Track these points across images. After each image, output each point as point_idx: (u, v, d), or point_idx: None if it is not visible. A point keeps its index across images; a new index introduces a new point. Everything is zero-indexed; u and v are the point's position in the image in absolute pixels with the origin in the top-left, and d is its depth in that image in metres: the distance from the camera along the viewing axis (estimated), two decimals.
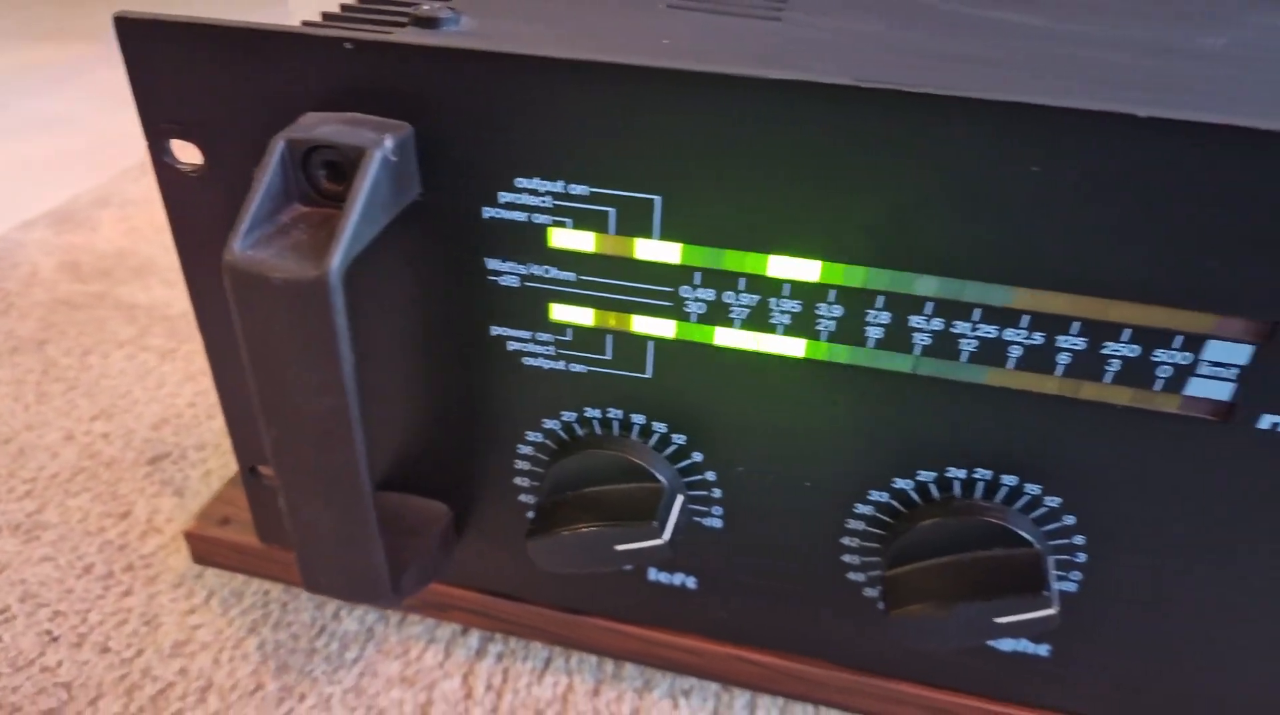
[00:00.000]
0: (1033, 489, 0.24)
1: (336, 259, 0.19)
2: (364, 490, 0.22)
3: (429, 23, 0.24)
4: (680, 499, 0.25)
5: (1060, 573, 0.25)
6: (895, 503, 0.25)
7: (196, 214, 0.25)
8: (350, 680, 0.34)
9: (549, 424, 0.26)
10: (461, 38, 0.23)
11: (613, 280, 0.23)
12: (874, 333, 0.22)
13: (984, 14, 0.29)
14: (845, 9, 0.29)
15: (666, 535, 0.24)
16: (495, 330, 0.25)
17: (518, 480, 0.28)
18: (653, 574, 0.29)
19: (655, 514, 0.24)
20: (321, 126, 0.21)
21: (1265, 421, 0.21)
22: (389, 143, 0.20)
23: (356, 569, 0.24)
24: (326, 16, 0.26)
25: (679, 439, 0.26)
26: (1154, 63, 0.25)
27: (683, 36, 0.25)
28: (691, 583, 0.29)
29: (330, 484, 0.22)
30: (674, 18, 0.27)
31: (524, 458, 0.27)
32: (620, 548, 0.25)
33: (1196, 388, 0.21)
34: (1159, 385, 0.21)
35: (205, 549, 0.36)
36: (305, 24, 0.24)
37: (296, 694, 0.33)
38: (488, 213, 0.23)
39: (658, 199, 0.22)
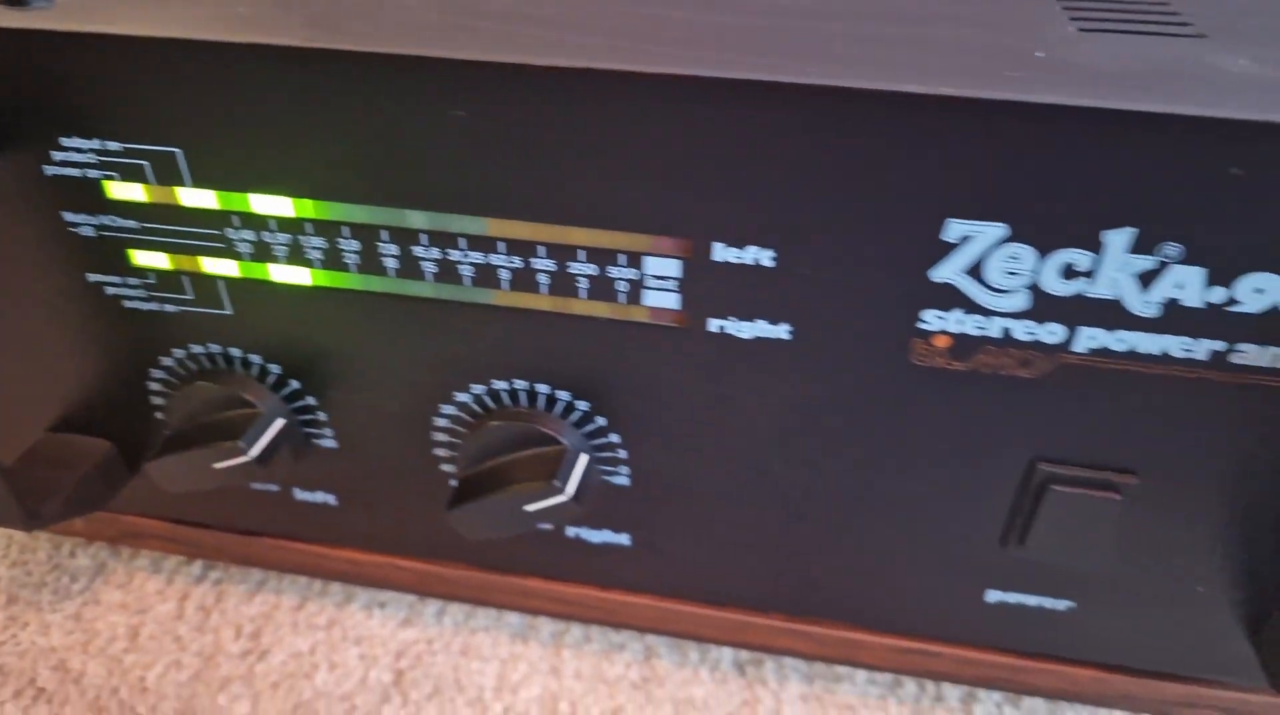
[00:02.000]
0: (564, 395, 0.27)
1: None
2: None
3: (17, 3, 0.26)
4: (281, 422, 0.29)
5: (608, 468, 0.28)
6: (463, 414, 0.28)
7: None
8: (73, 608, 0.37)
9: (166, 361, 0.29)
10: (33, 16, 0.25)
11: (171, 226, 0.26)
12: (390, 263, 0.25)
13: None
14: None
15: (255, 452, 0.28)
16: (91, 277, 0.28)
17: (158, 414, 0.31)
18: (298, 494, 0.32)
19: (244, 435, 0.28)
20: None
21: (713, 325, 0.25)
22: None
23: None
24: None
25: (275, 369, 0.29)
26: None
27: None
28: (332, 500, 0.32)
29: None
30: None
31: (156, 393, 0.30)
32: (217, 467, 0.28)
33: (652, 299, 0.24)
34: (623, 298, 0.25)
35: None
36: None
37: (20, 622, 0.36)
38: (49, 170, 0.26)
39: (179, 152, 0.24)
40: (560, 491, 0.26)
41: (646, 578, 0.32)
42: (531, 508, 0.26)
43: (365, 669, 0.34)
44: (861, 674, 0.35)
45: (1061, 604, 0.29)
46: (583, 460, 0.27)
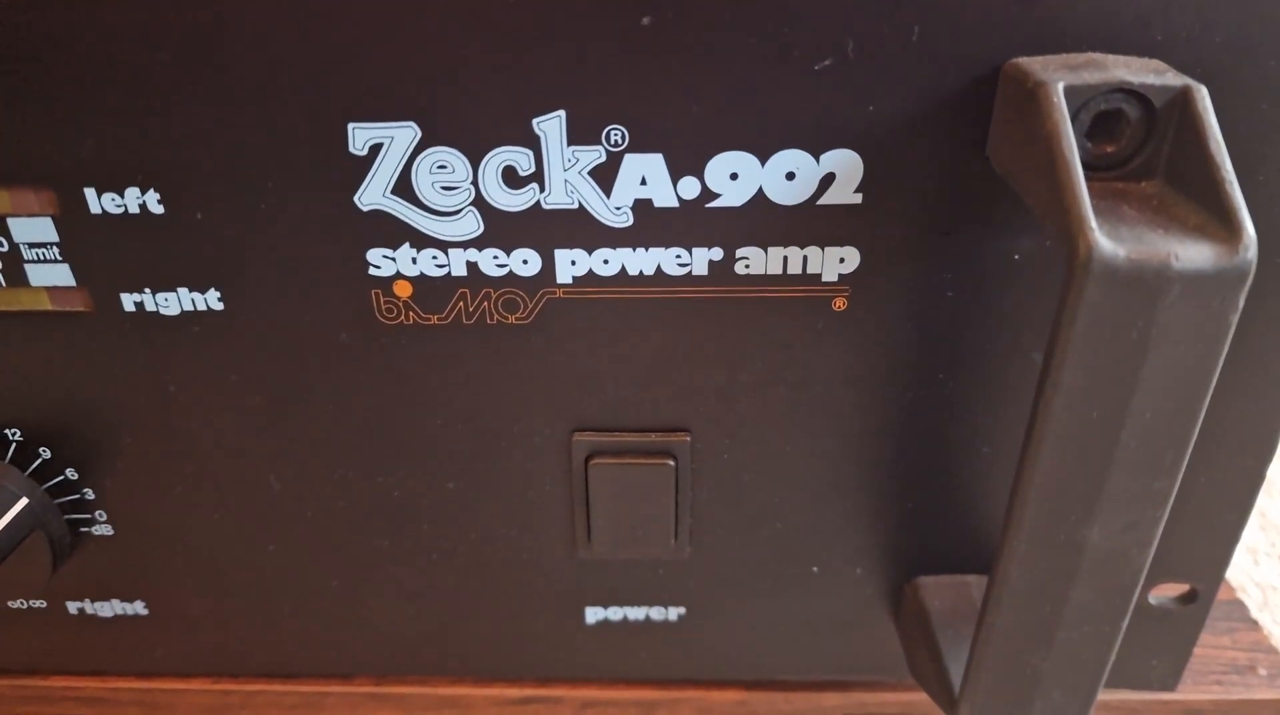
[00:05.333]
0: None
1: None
2: None
3: None
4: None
5: (81, 515, 0.22)
6: None
7: None
8: None
9: None
10: None
11: None
12: None
13: None
14: None
15: None
16: None
17: None
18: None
19: None
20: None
21: (129, 302, 0.20)
22: None
23: None
24: None
25: None
26: None
27: None
28: None
29: None
30: None
31: None
32: None
33: (40, 276, 0.19)
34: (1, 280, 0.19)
35: None
36: None
37: None
38: None
39: None
40: None
41: (168, 656, 0.25)
42: None
43: None
44: None
45: (672, 612, 0.24)
46: (20, 504, 0.21)
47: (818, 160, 0.18)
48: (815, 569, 0.23)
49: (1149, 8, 0.16)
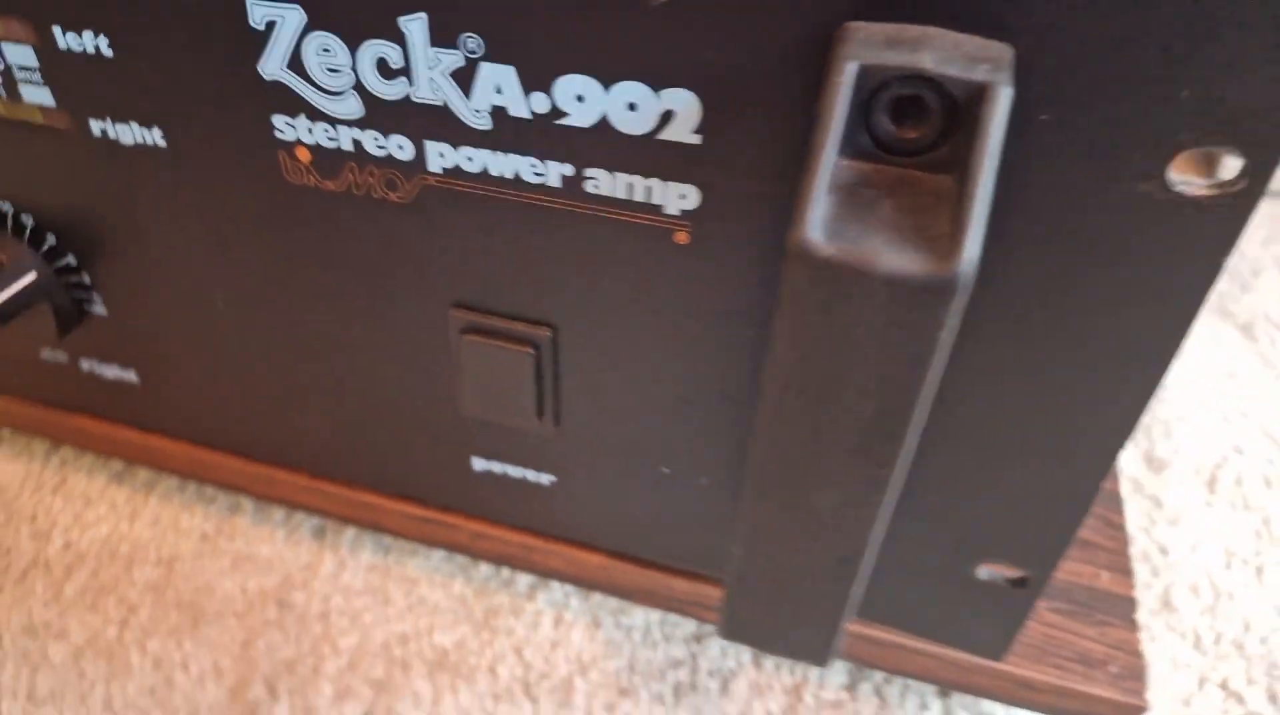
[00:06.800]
0: (4, 206, 0.26)
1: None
2: None
3: None
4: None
5: (82, 295, 0.27)
6: None
7: None
8: None
9: None
10: None
11: None
12: None
13: None
14: None
15: None
16: None
17: None
18: None
19: None
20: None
21: (95, 127, 0.23)
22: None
23: None
24: None
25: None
26: None
27: None
28: None
29: None
30: None
31: None
32: None
33: (30, 94, 0.23)
34: (3, 94, 0.23)
35: None
36: None
37: None
38: None
39: None
40: None
41: (157, 417, 0.30)
42: None
43: None
44: (439, 553, 0.33)
45: (544, 477, 0.26)
46: (29, 277, 0.26)
47: (658, 95, 0.18)
48: (666, 470, 0.24)
49: None
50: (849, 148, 0.15)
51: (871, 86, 0.15)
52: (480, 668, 0.30)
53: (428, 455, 0.27)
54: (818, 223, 0.14)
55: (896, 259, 0.14)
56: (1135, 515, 0.35)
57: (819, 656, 0.21)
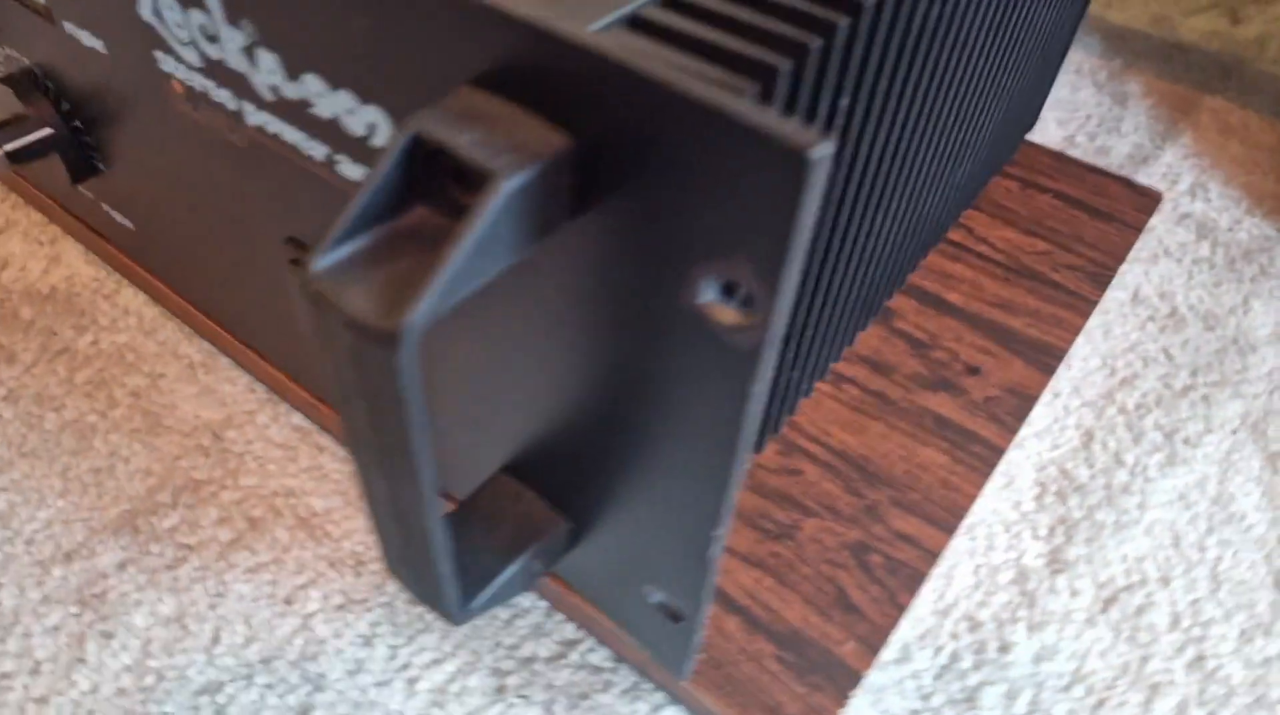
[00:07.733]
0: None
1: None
2: None
3: None
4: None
5: (92, 154, 0.33)
6: None
7: None
8: None
9: None
10: None
11: None
12: None
13: None
14: None
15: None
16: None
17: None
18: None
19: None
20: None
21: (67, 27, 0.28)
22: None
23: None
24: None
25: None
26: None
27: None
28: None
29: None
30: None
31: None
32: None
33: None
34: None
35: None
36: None
37: None
38: None
39: None
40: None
41: (148, 260, 0.37)
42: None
43: None
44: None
45: None
46: (44, 131, 0.32)
47: (364, 106, 0.20)
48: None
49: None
50: (394, 195, 0.17)
51: (428, 150, 0.16)
52: (334, 535, 0.35)
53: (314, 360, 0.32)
54: (332, 258, 0.16)
55: (358, 303, 0.16)
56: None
57: (439, 604, 0.23)
